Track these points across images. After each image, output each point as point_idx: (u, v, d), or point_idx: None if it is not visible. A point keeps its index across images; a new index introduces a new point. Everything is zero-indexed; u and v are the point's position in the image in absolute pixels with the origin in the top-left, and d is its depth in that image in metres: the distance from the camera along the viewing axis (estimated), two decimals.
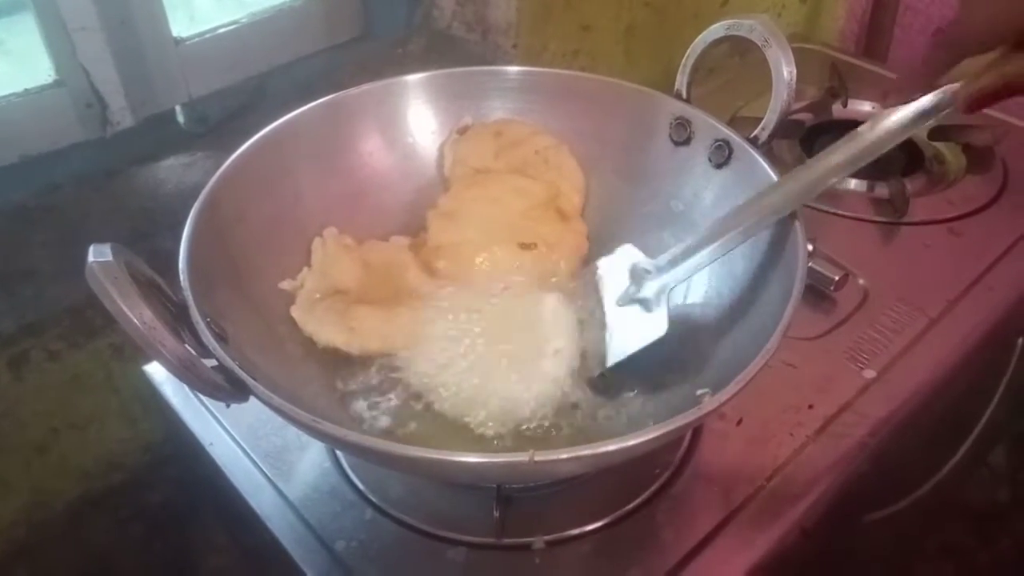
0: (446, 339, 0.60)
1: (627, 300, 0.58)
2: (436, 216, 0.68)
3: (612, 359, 0.57)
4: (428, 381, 0.58)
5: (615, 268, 0.60)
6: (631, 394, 0.58)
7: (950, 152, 0.93)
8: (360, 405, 0.58)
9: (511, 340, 0.59)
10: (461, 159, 0.70)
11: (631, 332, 0.57)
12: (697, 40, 0.63)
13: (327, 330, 0.59)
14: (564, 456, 0.41)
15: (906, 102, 0.49)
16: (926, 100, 0.49)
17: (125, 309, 0.41)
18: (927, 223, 0.84)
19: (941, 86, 0.48)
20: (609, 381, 0.59)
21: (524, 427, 0.56)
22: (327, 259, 0.63)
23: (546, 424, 0.56)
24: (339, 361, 0.60)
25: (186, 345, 0.44)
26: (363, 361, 0.60)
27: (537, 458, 0.40)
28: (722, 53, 1.00)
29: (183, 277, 0.49)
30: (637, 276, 0.58)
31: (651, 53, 1.07)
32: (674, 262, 0.57)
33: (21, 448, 0.72)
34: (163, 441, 0.80)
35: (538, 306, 0.60)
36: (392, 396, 0.58)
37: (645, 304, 0.57)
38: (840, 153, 0.53)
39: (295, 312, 0.60)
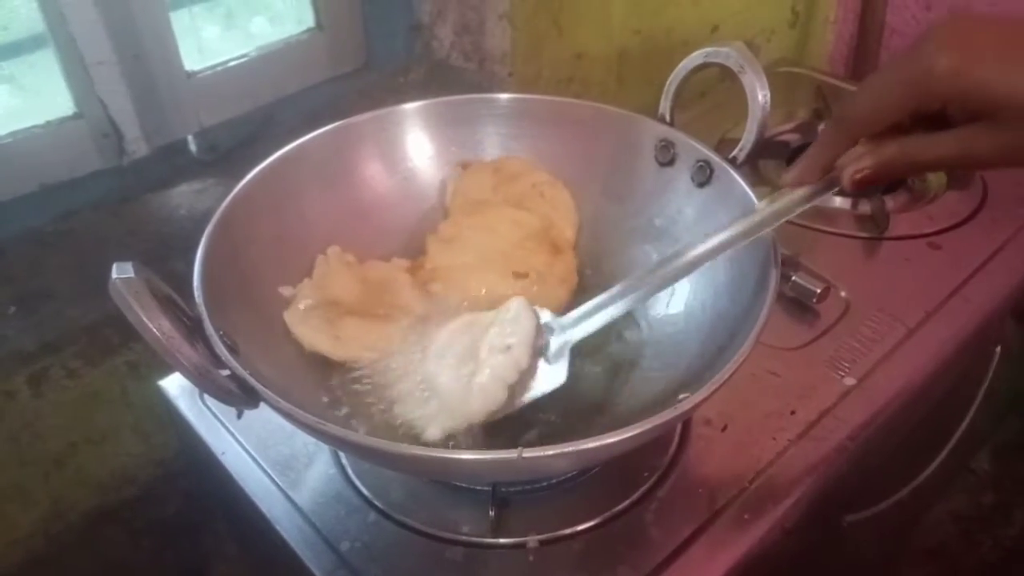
0: (413, 348, 0.62)
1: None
2: (435, 241, 0.70)
3: (519, 402, 0.57)
4: (394, 387, 0.60)
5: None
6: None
7: None
8: (345, 409, 0.60)
9: (469, 343, 0.59)
10: (462, 191, 0.72)
11: (538, 377, 0.58)
12: (678, 67, 0.66)
13: (315, 336, 0.61)
14: (551, 452, 0.44)
15: (802, 183, 0.53)
16: (817, 186, 0.53)
17: (146, 321, 0.44)
18: (908, 237, 0.87)
19: (834, 167, 0.51)
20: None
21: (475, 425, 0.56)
22: (328, 273, 0.66)
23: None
24: (332, 368, 0.62)
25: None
26: (348, 368, 0.62)
27: (525, 454, 0.44)
28: (711, 77, 1.03)
29: (198, 294, 0.52)
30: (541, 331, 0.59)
31: (642, 78, 1.10)
32: (578, 320, 0.58)
33: (40, 461, 0.75)
34: (175, 456, 0.83)
35: (502, 309, 0.60)
36: (369, 401, 0.60)
37: (547, 357, 0.58)
38: (732, 230, 0.55)
39: (287, 316, 0.62)
